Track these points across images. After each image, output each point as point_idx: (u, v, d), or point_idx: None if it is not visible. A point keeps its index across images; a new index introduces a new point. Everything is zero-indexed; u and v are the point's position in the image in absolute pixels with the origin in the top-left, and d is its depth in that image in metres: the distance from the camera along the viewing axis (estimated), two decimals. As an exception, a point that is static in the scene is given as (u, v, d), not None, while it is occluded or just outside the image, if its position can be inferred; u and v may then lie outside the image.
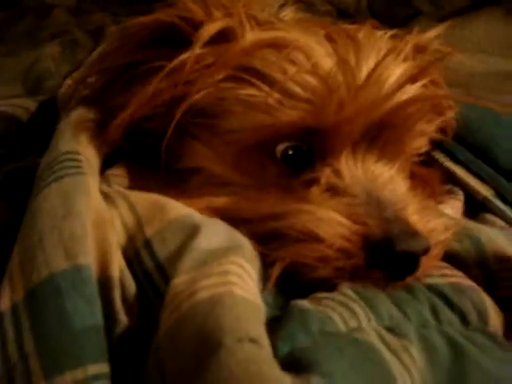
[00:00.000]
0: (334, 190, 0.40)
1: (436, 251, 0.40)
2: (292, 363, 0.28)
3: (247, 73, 0.42)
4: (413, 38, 0.47)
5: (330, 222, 0.38)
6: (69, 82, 0.55)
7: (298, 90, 0.40)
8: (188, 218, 0.37)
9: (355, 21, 0.55)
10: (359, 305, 0.34)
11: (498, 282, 0.39)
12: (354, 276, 0.37)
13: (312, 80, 0.40)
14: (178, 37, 0.43)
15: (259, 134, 0.41)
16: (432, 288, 0.37)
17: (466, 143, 0.56)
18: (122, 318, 0.33)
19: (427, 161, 0.53)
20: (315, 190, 0.41)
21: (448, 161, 0.55)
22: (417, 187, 0.46)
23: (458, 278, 0.38)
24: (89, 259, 0.32)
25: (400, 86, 0.41)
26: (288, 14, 0.51)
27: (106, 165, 0.44)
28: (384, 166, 0.43)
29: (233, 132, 0.42)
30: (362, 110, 0.40)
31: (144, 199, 0.38)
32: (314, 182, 0.41)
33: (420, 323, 0.34)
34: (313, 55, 0.41)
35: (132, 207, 0.37)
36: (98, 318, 0.31)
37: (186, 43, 0.42)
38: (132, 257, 0.35)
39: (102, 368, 0.29)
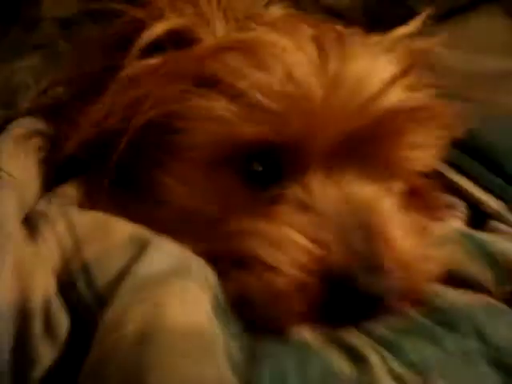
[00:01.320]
0: (303, 210, 0.36)
1: (422, 278, 0.36)
2: None
3: (206, 82, 0.38)
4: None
5: (285, 244, 0.34)
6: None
7: (260, 100, 0.36)
8: (133, 239, 0.33)
9: (347, 22, 0.51)
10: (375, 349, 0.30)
11: None
12: (309, 317, 0.32)
13: (278, 89, 0.36)
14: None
15: (220, 150, 0.37)
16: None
17: (469, 150, 0.53)
18: (44, 353, 0.28)
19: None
20: (283, 208, 0.36)
21: (452, 173, 0.52)
22: (411, 201, 0.41)
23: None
24: None
25: (382, 92, 0.37)
26: (276, 11, 0.47)
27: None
28: (366, 184, 0.39)
29: (194, 148, 0.38)
30: (332, 120, 0.36)
31: (87, 218, 0.34)
32: (282, 199, 0.37)
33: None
34: (286, 60, 0.37)
35: (71, 227, 0.33)
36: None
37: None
38: (67, 282, 0.31)
39: None
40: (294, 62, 0.37)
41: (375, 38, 0.43)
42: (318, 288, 0.33)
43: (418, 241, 0.37)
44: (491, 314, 0.33)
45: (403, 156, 0.41)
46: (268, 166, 0.38)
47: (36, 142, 0.41)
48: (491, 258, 0.38)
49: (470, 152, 0.52)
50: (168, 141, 0.39)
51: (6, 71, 0.97)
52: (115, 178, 0.41)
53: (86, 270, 0.31)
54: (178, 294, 0.28)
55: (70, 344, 0.29)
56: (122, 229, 0.34)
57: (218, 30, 0.40)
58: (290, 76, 0.36)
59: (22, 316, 0.28)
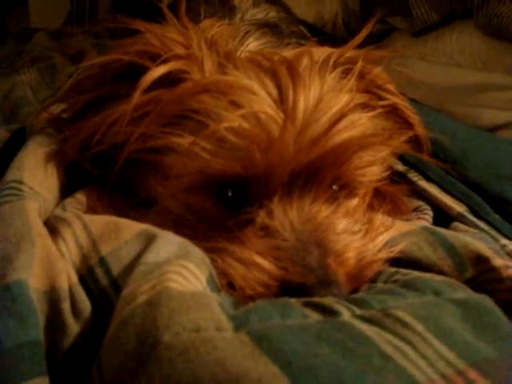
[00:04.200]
0: (266, 232, 0.41)
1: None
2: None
3: (183, 119, 0.43)
4: (357, 68, 0.47)
5: (249, 265, 0.39)
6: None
7: (228, 138, 0.41)
8: (142, 234, 0.38)
9: (326, 38, 0.56)
10: (343, 305, 0.34)
11: (480, 286, 0.39)
12: None
13: (242, 126, 0.41)
14: (139, 70, 0.44)
15: (194, 180, 0.43)
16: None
17: (438, 159, 0.57)
18: (73, 331, 0.33)
19: (395, 177, 0.54)
20: (249, 231, 0.42)
21: (421, 179, 0.56)
22: (377, 206, 0.46)
23: None
24: (21, 274, 0.33)
25: (331, 127, 0.41)
26: (251, 42, 0.52)
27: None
28: (322, 206, 0.44)
29: (173, 176, 0.43)
30: (288, 155, 0.41)
31: (99, 220, 0.39)
32: (250, 222, 0.42)
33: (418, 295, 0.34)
34: (251, 101, 0.41)
35: (86, 227, 0.38)
36: (32, 333, 0.31)
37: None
38: (86, 274, 0.36)
39: (38, 383, 0.30)
40: (257, 103, 0.41)
41: (322, 56, 0.48)
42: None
43: (373, 244, 0.42)
44: (450, 284, 0.37)
45: (355, 175, 0.46)
46: (237, 192, 0.44)
47: (51, 156, 0.46)
48: (452, 249, 0.41)
49: (436, 159, 0.57)
50: (157, 164, 0.45)
51: (6, 86, 1.00)
52: (116, 187, 0.47)
53: (102, 262, 0.36)
54: (178, 270, 0.34)
55: (92, 323, 0.34)
56: (131, 226, 0.38)
57: (207, 70, 0.45)
58: (253, 116, 0.41)
59: (53, 299, 0.33)
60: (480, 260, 0.40)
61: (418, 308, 0.32)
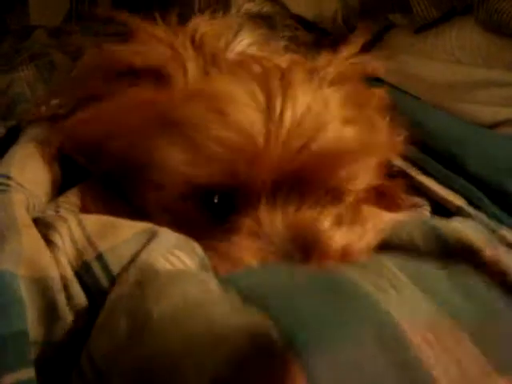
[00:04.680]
0: (253, 237, 0.42)
1: None
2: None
3: (167, 130, 0.43)
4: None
5: (236, 262, 0.40)
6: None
7: (212, 147, 0.41)
8: (144, 231, 0.38)
9: (324, 34, 0.55)
10: None
11: None
12: None
13: (227, 137, 0.41)
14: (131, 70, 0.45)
15: (179, 190, 0.43)
16: None
17: (435, 153, 0.57)
18: (69, 319, 0.33)
19: (392, 173, 0.54)
20: (237, 237, 0.42)
21: (419, 174, 0.56)
22: (378, 203, 0.46)
23: None
24: (6, 265, 0.32)
25: (319, 133, 0.42)
26: (245, 37, 0.52)
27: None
28: (308, 210, 0.44)
29: (159, 187, 0.44)
30: (274, 162, 0.41)
31: (94, 219, 0.39)
32: (237, 229, 0.43)
33: None
34: (237, 110, 0.41)
35: (81, 224, 0.38)
36: (16, 324, 0.30)
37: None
38: (81, 269, 0.36)
39: (22, 375, 0.29)
40: (244, 112, 0.41)
41: (319, 68, 0.48)
42: None
43: (360, 230, 0.43)
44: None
45: (342, 183, 0.47)
46: (224, 200, 0.44)
47: (42, 151, 0.46)
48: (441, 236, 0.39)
49: (433, 154, 0.57)
50: (141, 174, 0.45)
51: (4, 83, 1.00)
52: (110, 186, 0.47)
53: (100, 258, 0.36)
54: (165, 255, 0.34)
55: (87, 317, 0.34)
56: (130, 225, 0.38)
57: (190, 71, 0.45)
58: (239, 125, 0.41)
59: (45, 287, 0.33)
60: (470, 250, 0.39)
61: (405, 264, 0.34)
